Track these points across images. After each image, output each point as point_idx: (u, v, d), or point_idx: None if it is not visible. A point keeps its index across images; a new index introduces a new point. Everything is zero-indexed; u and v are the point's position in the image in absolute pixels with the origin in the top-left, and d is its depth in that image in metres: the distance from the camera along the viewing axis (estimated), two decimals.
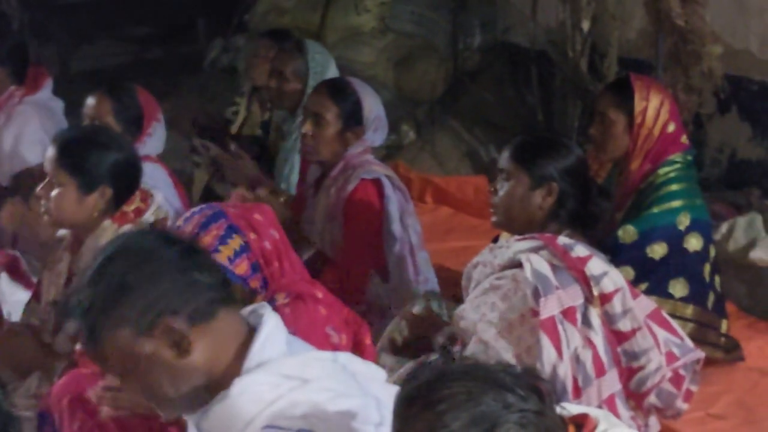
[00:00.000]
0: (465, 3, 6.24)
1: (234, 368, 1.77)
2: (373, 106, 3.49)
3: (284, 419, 1.74)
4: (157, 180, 3.39)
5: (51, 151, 2.77)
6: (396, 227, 3.39)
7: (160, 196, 2.91)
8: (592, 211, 2.89)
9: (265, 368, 1.76)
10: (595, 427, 1.65)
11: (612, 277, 2.61)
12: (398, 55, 6.20)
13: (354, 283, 3.30)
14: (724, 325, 3.44)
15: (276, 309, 2.35)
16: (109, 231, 2.76)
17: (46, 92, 4.25)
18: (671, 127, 3.38)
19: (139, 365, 1.74)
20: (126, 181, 2.80)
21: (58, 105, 4.28)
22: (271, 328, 1.82)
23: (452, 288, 3.44)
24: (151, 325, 1.73)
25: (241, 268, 2.35)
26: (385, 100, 6.17)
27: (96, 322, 1.73)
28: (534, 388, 1.54)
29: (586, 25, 5.28)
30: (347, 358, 1.90)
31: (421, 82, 6.18)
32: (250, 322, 1.85)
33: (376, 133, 3.50)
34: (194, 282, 1.76)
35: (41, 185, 2.80)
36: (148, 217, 2.81)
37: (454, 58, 6.23)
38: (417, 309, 2.97)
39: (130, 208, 2.80)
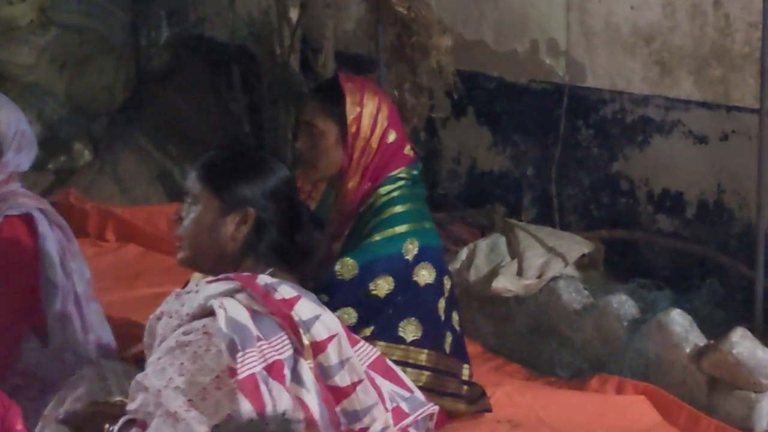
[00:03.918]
0: None
1: None
2: (11, 119, 3.39)
3: None
4: None
5: None
6: (56, 273, 3.33)
7: None
8: (300, 242, 2.91)
9: None
10: None
11: (325, 322, 2.64)
12: (65, 54, 6.10)
13: (2, 350, 3.20)
14: (465, 371, 3.57)
15: None
16: None
17: None
18: (392, 137, 3.48)
19: None
20: None
21: None
22: None
23: (135, 349, 3.40)
24: None
25: None
26: (51, 112, 6.12)
27: None
28: None
29: (294, 14, 5.39)
30: None
31: (96, 89, 6.11)
32: None
33: (20, 155, 3.39)
34: None
35: None
36: None
37: (137, 58, 6.19)
38: (84, 384, 2.90)
39: None
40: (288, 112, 5.53)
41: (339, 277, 3.35)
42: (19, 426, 2.49)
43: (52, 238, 3.34)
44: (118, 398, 2.85)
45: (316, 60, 5.33)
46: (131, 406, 2.63)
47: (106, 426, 2.69)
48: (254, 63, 5.72)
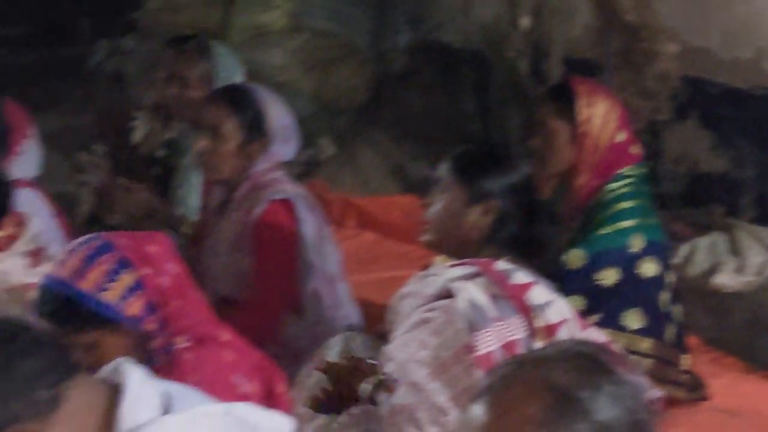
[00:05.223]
0: None
1: None
2: (278, 113, 3.51)
3: None
4: (32, 208, 3.35)
5: None
6: (312, 255, 3.42)
7: (37, 223, 2.88)
8: (536, 235, 2.95)
9: (143, 431, 1.77)
10: None
11: (558, 307, 2.66)
12: (314, 57, 6.24)
13: (267, 323, 3.31)
14: (685, 361, 3.53)
15: (176, 355, 2.38)
16: None
17: None
18: (621, 137, 3.47)
19: None
20: None
21: None
22: (137, 384, 1.83)
23: (378, 326, 3.49)
24: None
25: (134, 308, 2.34)
26: (300, 110, 6.25)
27: None
28: None
29: (525, 22, 5.39)
30: (244, 409, 1.90)
31: (340, 88, 6.22)
32: (113, 381, 1.85)
33: (285, 146, 3.52)
34: (23, 375, 1.74)
35: None
36: (21, 246, 2.78)
37: (378, 60, 6.29)
38: (333, 355, 2.99)
39: (0, 234, 2.77)
40: (516, 113, 5.55)
41: (568, 267, 3.36)
42: (281, 389, 2.57)
43: (309, 222, 3.44)
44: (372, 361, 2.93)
45: (545, 64, 5.34)
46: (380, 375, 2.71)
47: (361, 383, 2.77)
48: (486, 66, 5.76)
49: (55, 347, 1.82)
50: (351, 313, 3.57)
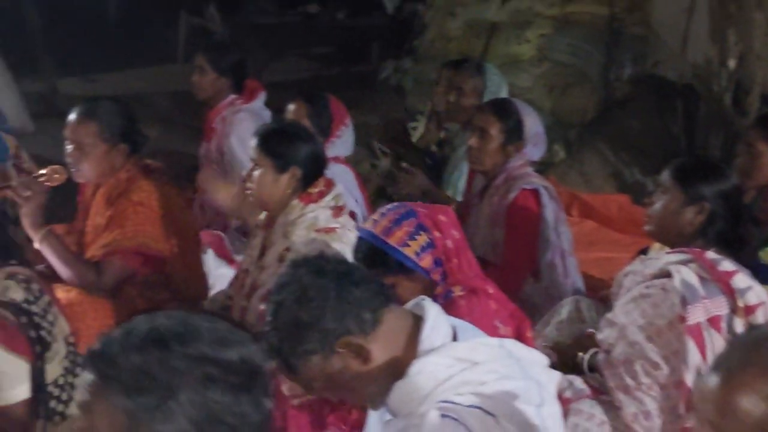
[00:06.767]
0: (619, 37, 6.20)
1: (410, 354, 1.84)
2: (533, 123, 3.53)
3: (457, 396, 1.79)
4: (344, 180, 3.48)
5: (255, 140, 2.95)
6: (551, 233, 3.41)
7: (341, 187, 3.02)
8: (740, 234, 2.85)
9: (438, 352, 1.83)
10: None
11: (756, 292, 2.58)
12: (553, 82, 6.19)
13: (512, 283, 3.30)
14: None
15: (453, 300, 2.44)
16: (296, 209, 2.89)
17: (259, 102, 4.32)
18: None
19: (335, 380, 1.86)
20: (313, 166, 2.92)
21: (268, 114, 4.32)
22: (434, 316, 1.89)
23: (596, 294, 3.45)
24: (333, 347, 1.83)
25: (426, 261, 2.42)
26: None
27: (288, 359, 1.86)
28: None
29: (732, 63, 5.18)
30: (512, 344, 1.94)
31: (573, 108, 6.16)
32: (414, 312, 1.92)
33: (535, 148, 3.54)
34: (355, 299, 1.84)
35: (248, 170, 2.98)
36: (329, 200, 2.91)
37: (605, 88, 6.18)
38: (564, 313, 2.97)
39: (314, 190, 2.92)
40: (717, 136, 5.35)
41: (762, 262, 3.23)
42: (529, 334, 2.58)
43: (550, 207, 3.44)
44: (589, 330, 2.91)
45: (746, 99, 5.12)
46: (599, 336, 2.69)
47: (580, 354, 2.77)
48: (694, 98, 5.57)
49: (378, 282, 1.92)
50: (578, 282, 3.55)
